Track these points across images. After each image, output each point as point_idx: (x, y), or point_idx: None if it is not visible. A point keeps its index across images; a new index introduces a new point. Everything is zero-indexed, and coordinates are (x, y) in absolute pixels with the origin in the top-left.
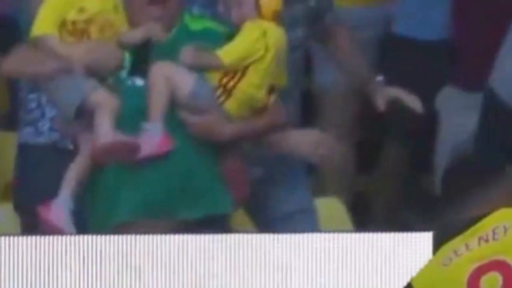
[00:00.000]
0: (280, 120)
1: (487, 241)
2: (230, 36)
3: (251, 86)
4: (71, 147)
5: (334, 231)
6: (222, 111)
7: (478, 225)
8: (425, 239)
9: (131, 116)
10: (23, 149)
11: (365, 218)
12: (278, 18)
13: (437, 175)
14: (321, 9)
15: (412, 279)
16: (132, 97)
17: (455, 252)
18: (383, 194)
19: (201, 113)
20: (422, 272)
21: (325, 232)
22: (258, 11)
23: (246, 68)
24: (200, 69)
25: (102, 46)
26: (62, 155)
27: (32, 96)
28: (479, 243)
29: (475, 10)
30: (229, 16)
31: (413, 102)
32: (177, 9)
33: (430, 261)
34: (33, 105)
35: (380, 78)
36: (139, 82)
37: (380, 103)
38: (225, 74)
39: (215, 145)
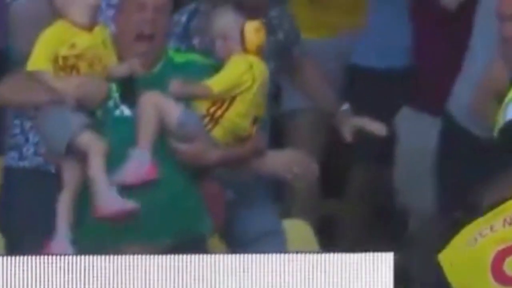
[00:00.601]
0: (262, 147)
1: (511, 224)
2: (214, 68)
3: (238, 115)
4: (53, 171)
5: (300, 252)
6: (209, 139)
7: (503, 206)
8: (386, 259)
9: (120, 146)
10: (8, 173)
11: (330, 239)
12: (261, 52)
13: (399, 197)
14: (289, 42)
15: (439, 258)
16: (120, 127)
17: (480, 233)
18: (348, 216)
19: (189, 140)
20: (448, 252)
21: (292, 253)
22: (243, 46)
23: (233, 98)
24: (189, 99)
25: (91, 81)
26: (45, 179)
27: (16, 122)
28: (503, 225)
29: (434, 38)
30: (214, 49)
31: (378, 129)
32: (161, 44)
33: (456, 240)
34: (17, 130)
35: (345, 107)
36: (127, 112)
37: (347, 133)
38: (213, 104)
39: (196, 170)
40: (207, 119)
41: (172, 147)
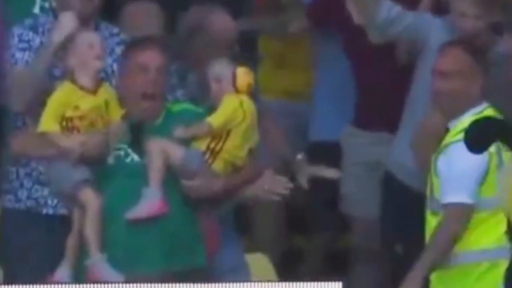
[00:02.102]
0: (256, 175)
1: None
2: (204, 113)
3: (235, 147)
4: (44, 212)
5: (261, 281)
6: (211, 171)
7: None
8: (336, 286)
9: (132, 183)
10: (4, 214)
11: (287, 270)
12: (250, 91)
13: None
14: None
15: None
16: (131, 170)
17: None
18: (304, 250)
19: (193, 176)
20: None
21: (254, 282)
22: (234, 86)
23: (228, 132)
24: (193, 138)
25: (93, 138)
26: (36, 219)
27: (12, 169)
28: None
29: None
30: (208, 90)
31: (331, 173)
32: (162, 99)
33: None
34: (13, 176)
35: (300, 156)
36: (136, 158)
37: (303, 181)
38: (212, 140)
39: (196, 206)
40: (207, 154)
41: (178, 184)
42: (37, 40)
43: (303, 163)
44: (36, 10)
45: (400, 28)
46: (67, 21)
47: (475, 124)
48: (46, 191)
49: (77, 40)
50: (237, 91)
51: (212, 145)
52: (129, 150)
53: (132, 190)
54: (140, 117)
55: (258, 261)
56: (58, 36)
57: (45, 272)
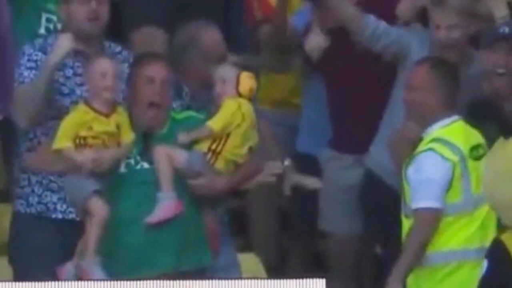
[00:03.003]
0: (256, 171)
1: None
2: (205, 119)
3: (235, 147)
4: (53, 216)
5: (251, 278)
6: (213, 170)
7: None
8: (319, 284)
9: (144, 188)
10: (16, 217)
11: (276, 268)
12: (252, 95)
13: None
14: None
15: None
16: (142, 176)
17: None
18: (292, 251)
19: (198, 176)
20: None
21: (245, 279)
22: (237, 89)
23: (228, 134)
24: (197, 141)
25: (104, 155)
26: (46, 223)
27: (24, 176)
28: None
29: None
30: (212, 93)
31: (313, 183)
32: (168, 109)
33: None
34: (25, 183)
35: (287, 162)
36: (146, 165)
37: (286, 188)
38: (213, 141)
39: (199, 204)
40: (209, 155)
41: (185, 186)
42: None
43: (289, 170)
44: (42, 30)
45: (385, 43)
46: (65, 42)
47: None
48: (55, 197)
49: (91, 67)
50: (239, 94)
51: (213, 146)
52: (139, 158)
53: (144, 195)
54: (147, 125)
55: (250, 260)
56: (55, 57)
57: (53, 272)
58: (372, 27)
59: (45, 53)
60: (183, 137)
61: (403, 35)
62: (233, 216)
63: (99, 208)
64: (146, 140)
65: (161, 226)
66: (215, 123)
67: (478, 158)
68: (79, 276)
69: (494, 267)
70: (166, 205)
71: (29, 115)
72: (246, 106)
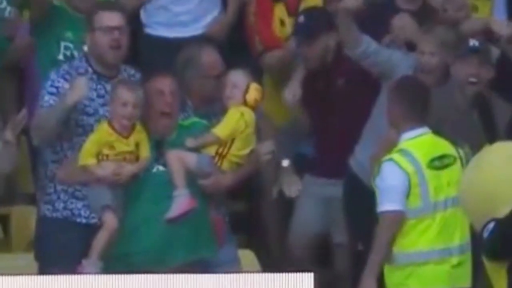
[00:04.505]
0: (255, 168)
1: None
2: (209, 126)
3: (238, 150)
4: (78, 221)
5: (248, 272)
6: (220, 171)
7: None
8: (308, 278)
9: (161, 188)
10: (42, 220)
11: (270, 263)
12: (256, 106)
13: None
14: None
15: None
16: (158, 178)
17: None
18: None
19: (207, 176)
20: None
21: (242, 273)
22: (244, 98)
23: (233, 140)
24: (203, 147)
25: (123, 168)
26: (71, 226)
27: (50, 184)
28: None
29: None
30: (220, 98)
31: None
32: (176, 118)
33: None
34: (51, 190)
35: (286, 162)
36: (161, 168)
37: (284, 188)
38: (219, 146)
39: (207, 201)
40: (216, 158)
41: (195, 185)
42: (66, 86)
43: (287, 172)
44: (61, 56)
45: (373, 61)
46: (80, 87)
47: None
48: (80, 204)
49: (114, 94)
50: (244, 101)
51: (220, 150)
52: (154, 163)
53: (161, 194)
54: (160, 133)
55: (247, 256)
56: (70, 99)
57: (74, 268)
58: (365, 45)
59: (66, 80)
60: (191, 142)
61: (395, 57)
62: (234, 216)
63: (109, 220)
64: (159, 146)
65: (177, 222)
66: (221, 131)
67: (440, 168)
68: (78, 270)
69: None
70: (182, 201)
71: (41, 137)
72: (249, 115)
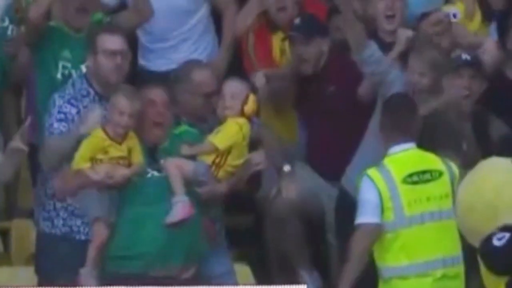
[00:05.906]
0: (248, 176)
1: None
2: (200, 134)
3: (234, 160)
4: (77, 237)
5: (243, 284)
6: (217, 180)
7: None
8: None
9: (155, 193)
10: (42, 236)
11: (263, 276)
12: (252, 116)
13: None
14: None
15: None
16: (153, 182)
17: None
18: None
19: (203, 184)
20: None
21: (237, 285)
22: (242, 108)
23: (229, 151)
24: (198, 155)
25: (116, 169)
26: (69, 243)
27: (49, 202)
28: None
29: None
30: (216, 107)
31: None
32: (168, 127)
33: None
34: (51, 207)
35: (287, 167)
36: (156, 173)
37: (285, 192)
38: (216, 156)
39: (200, 204)
40: (213, 167)
41: (192, 191)
42: (73, 111)
43: (289, 177)
44: (59, 75)
45: (374, 70)
46: (94, 117)
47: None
48: (79, 222)
49: (113, 101)
50: (242, 112)
51: (217, 161)
52: (148, 169)
53: (156, 199)
54: (151, 141)
55: (242, 269)
56: (84, 129)
57: (73, 280)
58: (370, 52)
59: (72, 105)
60: (186, 149)
61: (394, 71)
62: (230, 230)
63: (100, 231)
64: (152, 152)
65: (176, 225)
66: (220, 142)
67: (417, 183)
68: (76, 281)
69: None
70: (182, 206)
71: (50, 165)
72: (246, 127)
